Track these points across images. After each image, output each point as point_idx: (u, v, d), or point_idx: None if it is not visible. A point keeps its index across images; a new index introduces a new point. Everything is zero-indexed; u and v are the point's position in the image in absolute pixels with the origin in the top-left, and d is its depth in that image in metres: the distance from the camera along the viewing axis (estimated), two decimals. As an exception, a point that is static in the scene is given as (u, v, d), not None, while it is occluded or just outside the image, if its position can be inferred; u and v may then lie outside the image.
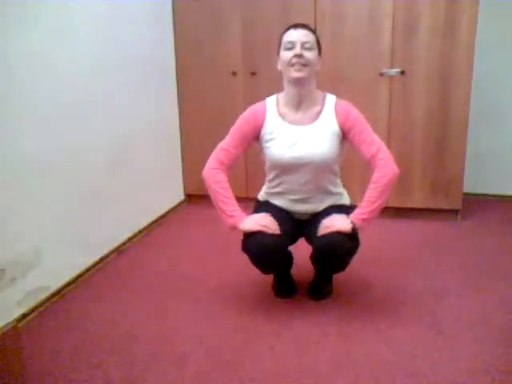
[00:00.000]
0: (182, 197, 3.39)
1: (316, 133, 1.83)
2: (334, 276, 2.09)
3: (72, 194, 2.18)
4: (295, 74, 1.76)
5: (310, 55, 1.76)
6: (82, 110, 2.22)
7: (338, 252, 1.75)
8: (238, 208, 1.82)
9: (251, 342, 1.74)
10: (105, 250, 2.46)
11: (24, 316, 1.90)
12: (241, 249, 1.82)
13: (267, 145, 1.87)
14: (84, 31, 2.21)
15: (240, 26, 2.98)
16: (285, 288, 2.07)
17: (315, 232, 1.80)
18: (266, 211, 1.87)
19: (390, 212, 2.95)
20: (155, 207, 3.02)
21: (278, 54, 1.83)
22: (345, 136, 1.85)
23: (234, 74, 3.06)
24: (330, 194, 1.94)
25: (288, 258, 2.01)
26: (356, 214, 1.76)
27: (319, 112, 1.84)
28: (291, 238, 1.95)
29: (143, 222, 2.87)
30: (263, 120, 1.86)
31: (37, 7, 1.91)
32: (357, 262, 1.89)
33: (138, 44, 2.70)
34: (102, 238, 2.44)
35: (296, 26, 1.80)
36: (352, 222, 1.74)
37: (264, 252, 1.76)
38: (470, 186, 3.19)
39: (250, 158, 3.18)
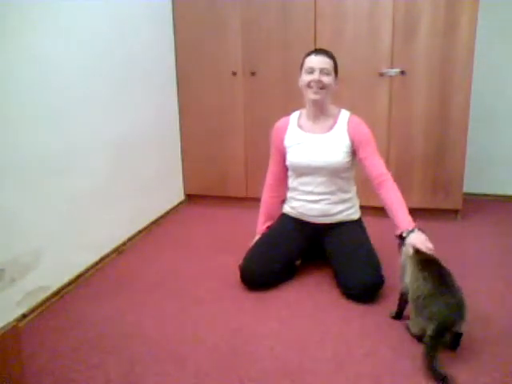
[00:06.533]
0: (182, 197, 3.39)
1: (328, 142, 2.08)
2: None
3: (72, 194, 2.18)
4: (312, 96, 2.04)
5: (326, 80, 2.02)
6: (81, 109, 2.22)
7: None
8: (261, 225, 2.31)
9: (251, 342, 1.74)
10: (105, 250, 2.47)
11: (24, 316, 1.90)
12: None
13: (288, 150, 2.16)
14: (84, 31, 2.21)
15: (240, 26, 2.98)
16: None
17: (343, 271, 2.06)
18: (281, 224, 2.24)
19: (389, 212, 2.95)
20: (155, 207, 3.03)
21: (300, 72, 2.08)
22: (354, 150, 2.07)
23: (234, 74, 3.06)
24: (341, 199, 2.14)
25: (278, 276, 2.17)
26: (409, 222, 1.91)
27: (332, 125, 2.10)
28: (294, 256, 2.23)
29: (143, 222, 2.87)
30: (285, 130, 2.18)
31: (37, 8, 1.91)
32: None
33: (137, 44, 2.70)
34: (102, 238, 2.44)
35: (317, 52, 2.05)
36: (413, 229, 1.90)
37: (247, 278, 2.11)
38: (470, 186, 3.19)
39: (250, 158, 3.18)
